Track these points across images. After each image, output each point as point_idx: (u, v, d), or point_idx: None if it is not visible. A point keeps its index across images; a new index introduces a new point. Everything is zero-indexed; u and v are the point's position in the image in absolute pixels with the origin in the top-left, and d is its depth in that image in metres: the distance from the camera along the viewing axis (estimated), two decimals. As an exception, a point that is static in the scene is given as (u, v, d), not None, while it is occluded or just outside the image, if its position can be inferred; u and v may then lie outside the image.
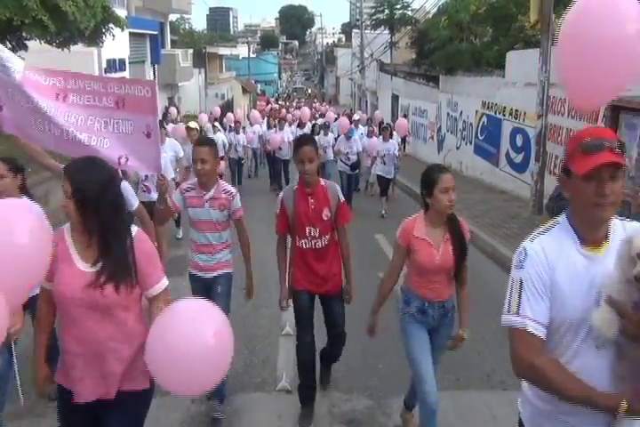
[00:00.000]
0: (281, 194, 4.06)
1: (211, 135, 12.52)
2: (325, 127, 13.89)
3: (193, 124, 9.60)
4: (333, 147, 12.65)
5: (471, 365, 4.84)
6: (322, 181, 3.98)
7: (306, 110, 17.90)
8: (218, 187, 4.07)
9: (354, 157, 11.79)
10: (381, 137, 11.59)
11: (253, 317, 5.77)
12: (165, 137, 8.07)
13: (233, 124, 14.80)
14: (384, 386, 4.59)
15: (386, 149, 11.05)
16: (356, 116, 16.34)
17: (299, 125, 15.84)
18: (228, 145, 13.20)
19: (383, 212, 10.86)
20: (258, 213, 9.67)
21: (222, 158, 12.92)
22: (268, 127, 15.14)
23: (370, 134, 12.53)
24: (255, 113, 17.05)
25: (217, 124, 15.14)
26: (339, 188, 4.07)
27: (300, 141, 3.90)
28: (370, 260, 7.86)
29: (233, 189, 4.15)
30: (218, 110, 19.00)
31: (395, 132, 12.39)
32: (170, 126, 11.93)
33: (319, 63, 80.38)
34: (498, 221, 9.57)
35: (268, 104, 32.46)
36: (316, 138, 12.42)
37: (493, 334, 5.45)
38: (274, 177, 14.20)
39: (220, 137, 12.65)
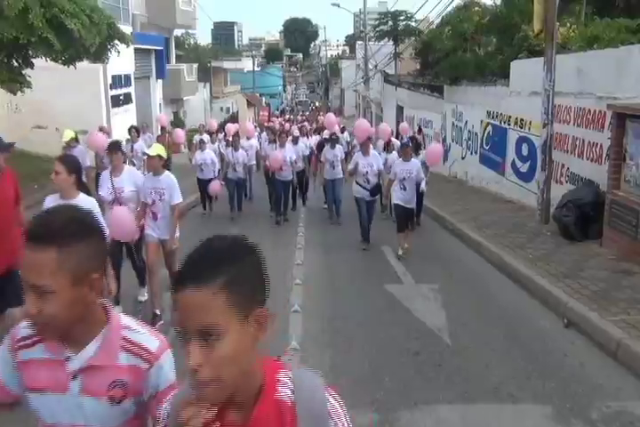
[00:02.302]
0: None
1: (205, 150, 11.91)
2: (333, 140, 11.50)
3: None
4: (341, 161, 11.07)
5: (478, 377, 4.80)
6: None
7: (332, 117, 14.82)
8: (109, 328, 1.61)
9: (374, 179, 9.33)
10: (397, 155, 9.66)
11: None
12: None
13: (231, 138, 12.82)
14: (391, 399, 4.56)
15: (406, 172, 8.58)
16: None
17: (318, 133, 15.05)
18: (220, 163, 12.07)
19: (400, 252, 8.55)
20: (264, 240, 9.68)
21: (211, 180, 11.86)
22: (268, 142, 12.96)
23: (387, 148, 11.05)
24: (248, 126, 14.99)
25: (206, 137, 13.92)
26: None
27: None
28: (377, 273, 7.86)
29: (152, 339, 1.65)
30: (214, 124, 16.86)
31: (421, 151, 10.39)
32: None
33: (323, 75, 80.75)
34: (504, 230, 9.53)
35: (270, 116, 32.55)
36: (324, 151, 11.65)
37: (500, 344, 5.42)
38: (274, 203, 11.84)
39: (209, 155, 11.82)
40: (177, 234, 6.10)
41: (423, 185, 9.12)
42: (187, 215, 11.15)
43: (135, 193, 6.08)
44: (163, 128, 15.11)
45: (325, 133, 13.67)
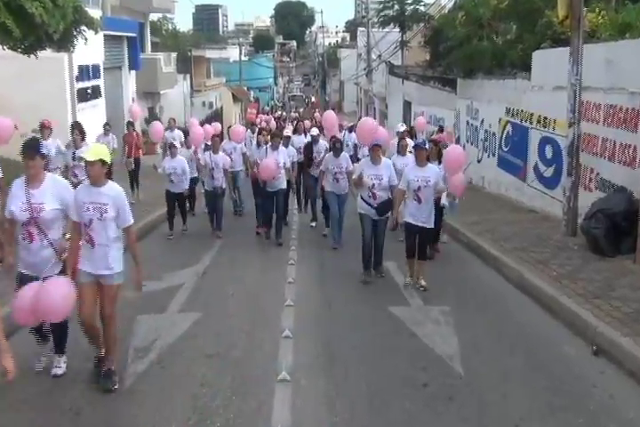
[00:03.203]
0: None
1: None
2: (337, 148, 10.20)
3: None
4: (348, 174, 9.84)
5: (495, 411, 4.82)
6: None
7: (331, 116, 12.51)
8: None
9: (382, 194, 8.34)
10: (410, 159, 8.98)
11: (246, 359, 5.78)
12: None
13: (210, 141, 11.85)
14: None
15: (423, 179, 7.74)
16: (399, 128, 12.75)
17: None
18: (192, 171, 11.57)
19: (407, 280, 8.01)
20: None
21: (192, 194, 11.75)
22: (258, 145, 11.50)
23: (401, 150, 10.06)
24: (238, 129, 13.47)
25: (177, 134, 13.67)
26: None
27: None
28: (380, 293, 7.87)
29: None
30: (195, 124, 14.90)
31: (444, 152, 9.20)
32: None
33: (320, 66, 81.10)
34: (525, 244, 9.56)
35: (258, 114, 32.51)
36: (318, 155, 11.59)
37: (520, 373, 5.44)
38: (260, 217, 11.14)
39: (180, 162, 11.08)
40: (121, 268, 5.26)
41: (444, 199, 8.23)
42: (148, 238, 11.08)
43: (60, 212, 5.20)
44: (130, 123, 14.44)
45: (313, 131, 12.52)
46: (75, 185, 6.03)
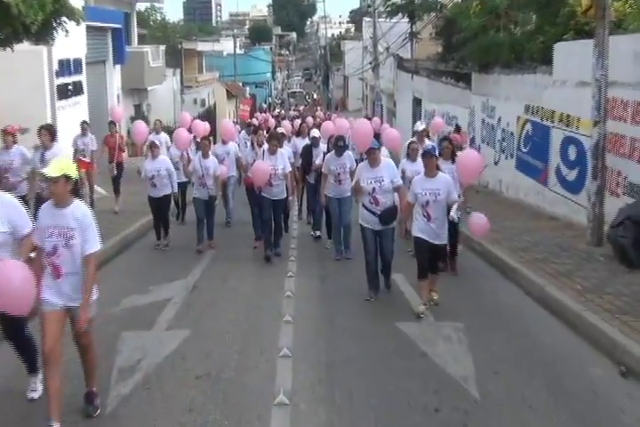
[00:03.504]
0: None
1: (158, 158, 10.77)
2: (340, 146, 10.04)
3: None
4: (352, 174, 9.50)
5: (515, 440, 4.79)
6: None
7: (344, 122, 12.99)
8: None
9: (385, 199, 8.10)
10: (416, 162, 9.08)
11: (239, 381, 5.75)
12: None
13: (199, 141, 11.59)
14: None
15: (432, 192, 7.47)
16: (418, 127, 12.15)
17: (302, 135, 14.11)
18: (180, 174, 11.44)
19: (422, 309, 7.49)
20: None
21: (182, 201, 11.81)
22: (252, 145, 11.46)
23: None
24: (227, 126, 13.38)
25: (163, 137, 13.46)
26: None
27: None
28: (387, 307, 7.85)
29: None
30: (187, 118, 14.95)
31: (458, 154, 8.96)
32: None
33: (322, 60, 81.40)
34: (546, 254, 9.55)
35: (254, 112, 32.52)
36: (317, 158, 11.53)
37: (541, 397, 5.41)
38: (259, 227, 10.83)
39: (164, 163, 10.75)
40: (93, 297, 4.98)
41: (454, 212, 7.61)
42: (132, 249, 11.14)
43: (9, 235, 4.94)
44: (112, 123, 14.12)
45: (314, 133, 12.51)
46: (40, 197, 5.71)
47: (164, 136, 13.83)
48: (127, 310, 7.68)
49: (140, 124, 13.81)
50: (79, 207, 4.87)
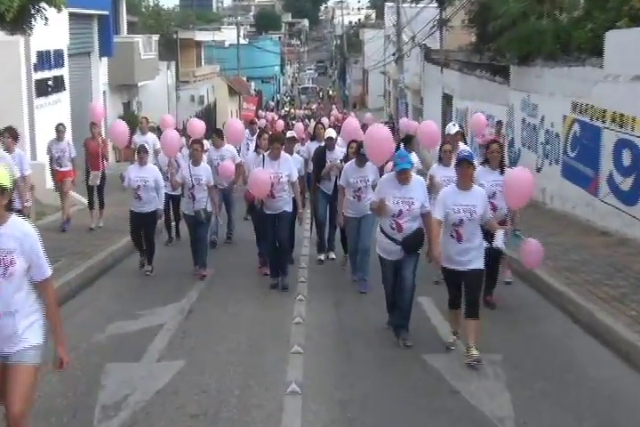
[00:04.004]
0: None
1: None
2: (361, 155, 9.38)
3: None
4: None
5: None
6: None
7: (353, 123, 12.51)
8: None
9: (411, 224, 7.51)
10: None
11: (240, 422, 5.76)
12: None
13: (190, 146, 10.97)
14: None
15: (466, 209, 7.00)
16: (451, 129, 11.00)
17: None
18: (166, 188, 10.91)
19: (451, 339, 7.45)
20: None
21: (174, 216, 11.70)
22: (256, 150, 11.28)
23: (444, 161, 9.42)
24: (235, 127, 13.06)
25: (150, 137, 13.47)
26: None
27: None
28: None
29: None
30: (169, 120, 14.53)
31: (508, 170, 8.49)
32: None
33: (338, 51, 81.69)
34: (598, 275, 9.52)
35: (257, 110, 32.61)
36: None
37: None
38: (262, 246, 10.63)
39: (151, 172, 10.44)
40: (39, 341, 4.50)
41: (500, 239, 7.16)
42: (119, 268, 11.18)
43: None
44: (94, 124, 13.75)
45: (330, 133, 11.88)
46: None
47: (151, 137, 13.54)
48: (113, 337, 7.71)
49: (119, 123, 12.63)
50: (17, 225, 4.38)
